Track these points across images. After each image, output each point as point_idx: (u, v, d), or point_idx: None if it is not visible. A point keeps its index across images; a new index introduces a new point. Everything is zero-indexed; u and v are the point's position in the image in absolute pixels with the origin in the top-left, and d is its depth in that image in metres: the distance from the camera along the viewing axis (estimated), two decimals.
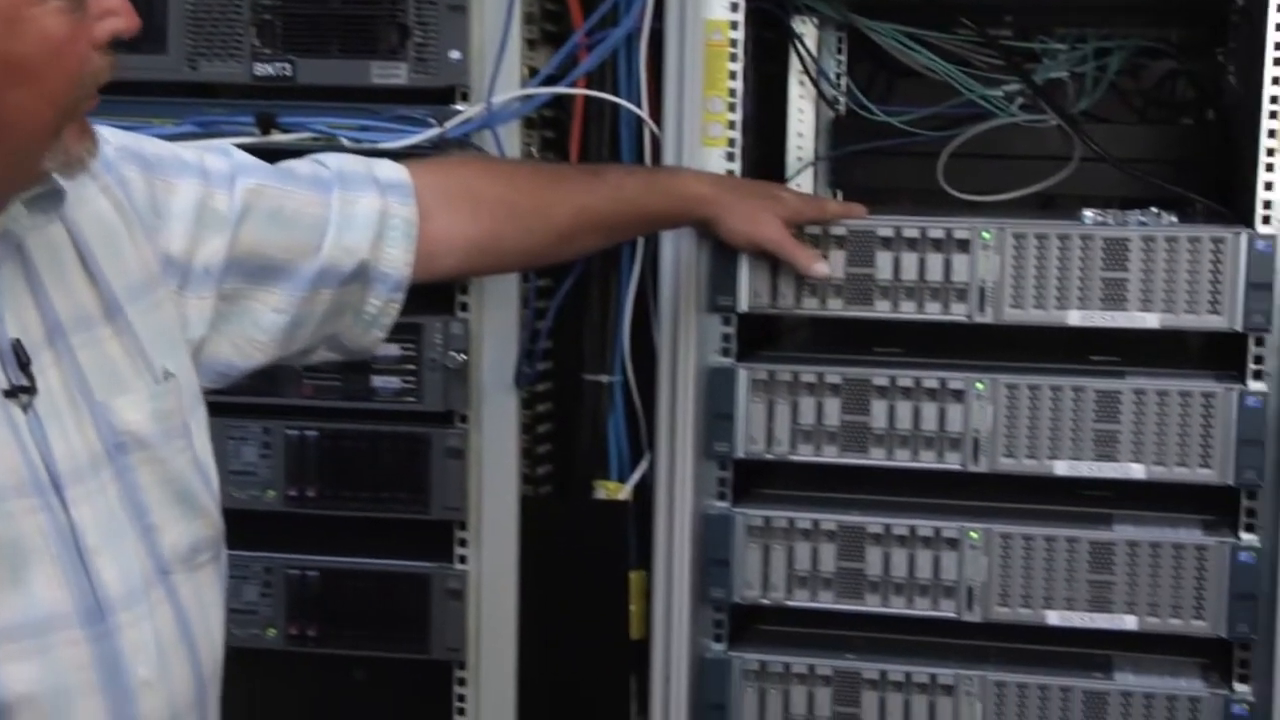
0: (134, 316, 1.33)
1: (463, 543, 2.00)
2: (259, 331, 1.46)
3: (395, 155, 1.90)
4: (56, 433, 1.23)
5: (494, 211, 1.59)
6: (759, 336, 2.01)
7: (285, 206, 1.46)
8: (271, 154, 2.02)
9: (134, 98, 1.91)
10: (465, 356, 1.96)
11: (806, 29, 2.24)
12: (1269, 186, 1.75)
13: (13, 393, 1.21)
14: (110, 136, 1.38)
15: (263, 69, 1.93)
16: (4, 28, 1.13)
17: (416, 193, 1.53)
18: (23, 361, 1.22)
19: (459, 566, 2.00)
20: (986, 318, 1.81)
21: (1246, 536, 1.78)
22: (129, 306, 1.33)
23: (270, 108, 1.92)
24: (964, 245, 1.80)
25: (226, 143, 1.53)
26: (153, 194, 1.39)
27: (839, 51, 2.33)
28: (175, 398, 1.34)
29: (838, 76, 2.32)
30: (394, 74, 1.92)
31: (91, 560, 1.23)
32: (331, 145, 1.90)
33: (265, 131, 1.90)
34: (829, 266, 1.81)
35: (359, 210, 1.49)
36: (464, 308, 1.98)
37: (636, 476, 2.03)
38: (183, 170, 1.41)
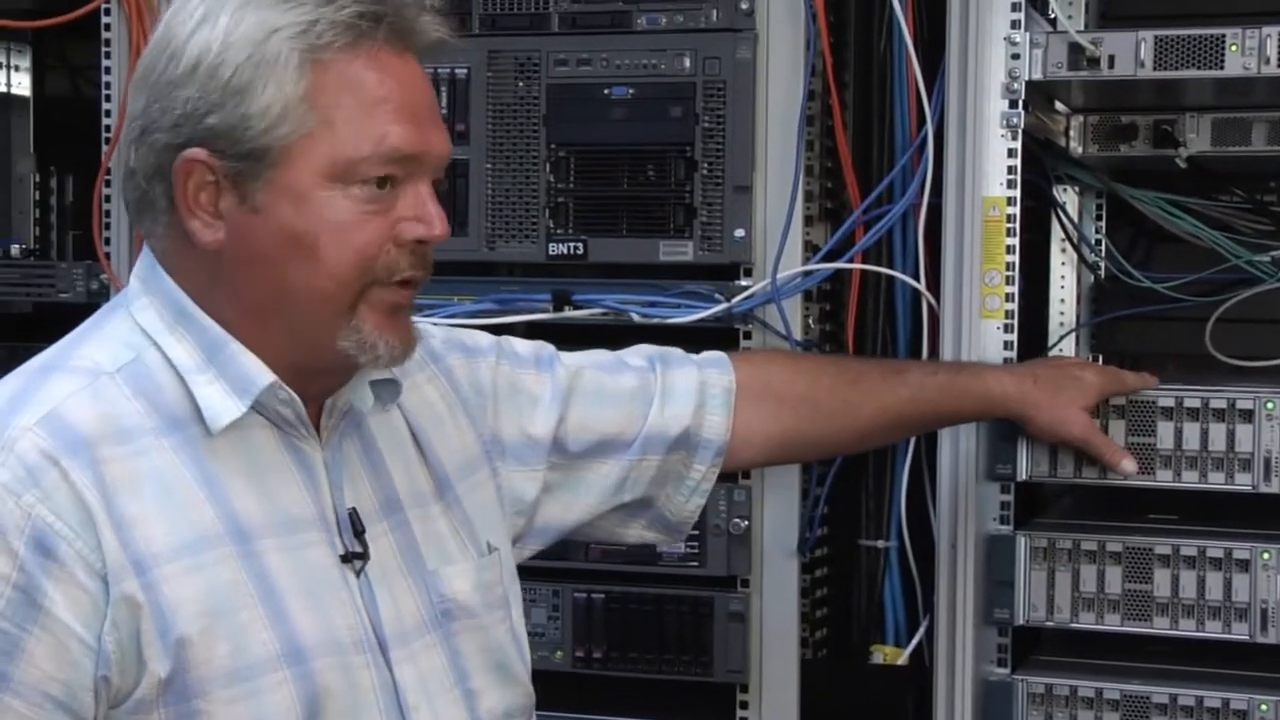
0: (461, 493, 1.43)
1: (744, 705, 2.03)
2: (587, 494, 1.55)
3: (683, 330, 2.00)
4: (384, 597, 1.32)
5: (796, 410, 1.64)
6: (1026, 500, 2.03)
7: (606, 385, 1.56)
8: (566, 329, 2.14)
9: (437, 277, 2.00)
10: (747, 522, 2.02)
11: (1067, 196, 2.28)
12: None
13: (348, 558, 1.31)
14: (435, 331, 1.51)
15: (556, 248, 2.04)
16: (292, 205, 1.24)
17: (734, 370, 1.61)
18: (358, 530, 1.32)
19: None
20: (1272, 488, 1.81)
21: None
22: (457, 485, 1.43)
23: (564, 285, 2.02)
24: (1247, 415, 1.81)
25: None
26: (476, 378, 1.49)
27: (1098, 217, 2.36)
28: (497, 570, 1.42)
29: (1097, 242, 2.35)
30: (681, 252, 2.00)
31: (411, 717, 1.31)
32: (621, 321, 2.00)
33: (560, 308, 2.00)
34: (1134, 464, 1.81)
35: (679, 383, 1.58)
36: (745, 474, 2.04)
37: (915, 642, 2.05)
38: (503, 354, 1.52)
